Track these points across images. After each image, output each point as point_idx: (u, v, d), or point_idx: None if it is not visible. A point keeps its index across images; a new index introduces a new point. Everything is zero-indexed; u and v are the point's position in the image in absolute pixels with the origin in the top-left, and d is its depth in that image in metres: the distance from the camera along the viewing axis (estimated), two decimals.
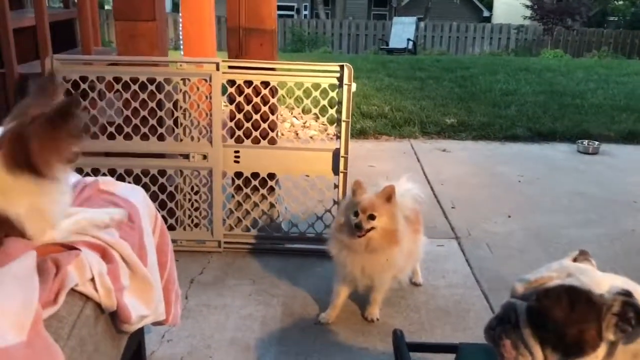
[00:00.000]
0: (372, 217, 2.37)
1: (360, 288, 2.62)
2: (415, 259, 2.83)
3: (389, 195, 2.41)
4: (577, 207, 4.10)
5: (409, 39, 16.21)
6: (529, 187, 4.50)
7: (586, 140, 5.48)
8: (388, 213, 2.40)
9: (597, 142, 5.45)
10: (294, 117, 5.93)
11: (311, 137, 5.36)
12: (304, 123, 5.88)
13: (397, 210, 2.45)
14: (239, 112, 3.21)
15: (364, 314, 2.67)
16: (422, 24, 17.98)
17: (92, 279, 1.42)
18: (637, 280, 3.10)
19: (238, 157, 3.19)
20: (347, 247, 2.47)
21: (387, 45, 16.55)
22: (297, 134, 5.58)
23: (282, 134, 5.45)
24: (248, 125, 3.20)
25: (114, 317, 1.53)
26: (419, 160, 5.08)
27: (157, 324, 2.08)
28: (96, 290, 1.41)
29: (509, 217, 3.89)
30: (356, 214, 2.38)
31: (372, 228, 2.40)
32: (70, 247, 1.44)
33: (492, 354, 1.98)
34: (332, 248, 2.54)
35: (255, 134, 3.20)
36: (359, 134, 5.72)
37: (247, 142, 3.21)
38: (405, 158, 5.17)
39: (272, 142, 3.26)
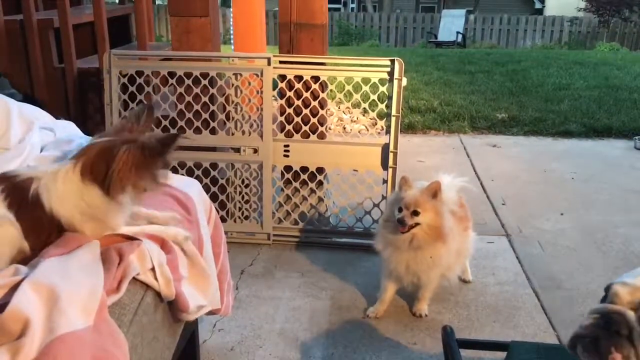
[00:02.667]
0: (415, 213, 2.37)
1: (406, 285, 2.62)
2: (465, 256, 2.81)
3: (434, 192, 2.39)
4: (632, 206, 3.98)
5: (458, 32, 15.96)
6: (583, 185, 4.38)
7: None
8: (433, 209, 2.39)
9: None
10: (342, 111, 5.94)
11: (359, 132, 5.36)
12: (352, 117, 5.88)
13: (443, 207, 2.43)
14: (289, 107, 3.24)
15: (412, 310, 2.66)
16: (471, 17, 17.66)
17: (153, 269, 1.47)
18: None
19: (288, 151, 3.23)
20: (392, 243, 2.47)
21: (436, 38, 16.33)
22: (344, 129, 5.59)
23: (330, 129, 5.47)
24: (298, 119, 3.23)
25: (172, 306, 1.58)
26: (468, 156, 5.02)
27: (209, 313, 2.13)
28: (156, 279, 1.46)
29: (562, 214, 3.81)
30: (400, 210, 2.38)
31: (416, 224, 2.39)
32: (131, 238, 1.49)
33: (544, 354, 1.96)
34: (377, 244, 2.55)
35: (305, 128, 3.23)
36: (407, 128, 5.69)
37: (297, 136, 3.25)
38: (454, 153, 5.11)
39: (322, 136, 3.28)
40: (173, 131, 3.15)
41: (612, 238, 3.47)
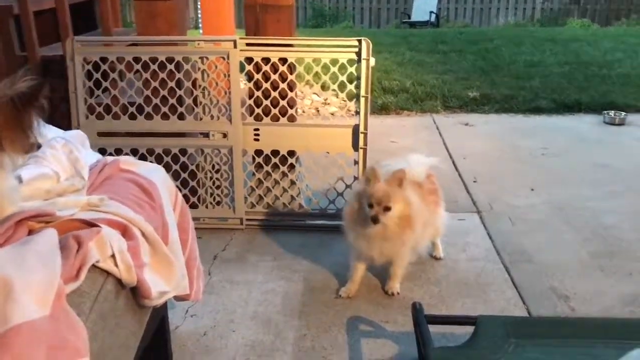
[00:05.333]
0: (387, 209, 2.38)
1: (377, 264, 2.64)
2: (435, 233, 2.84)
3: (400, 181, 2.40)
4: (601, 180, 4.04)
5: (431, 12, 15.91)
6: (553, 160, 4.44)
7: (612, 111, 5.36)
8: (402, 200, 2.41)
9: (623, 113, 5.33)
10: (315, 94, 5.91)
11: (332, 114, 5.35)
12: (325, 100, 5.86)
13: (408, 195, 2.45)
14: (258, 90, 3.22)
15: (385, 288, 2.69)
16: None
17: (113, 256, 1.45)
18: None
19: (258, 134, 3.21)
20: (363, 236, 2.49)
21: (409, 18, 16.28)
22: (317, 111, 5.57)
23: (303, 112, 5.45)
24: (267, 102, 3.21)
25: (135, 293, 1.57)
26: (441, 135, 5.04)
27: (180, 299, 2.13)
28: (117, 266, 1.45)
29: (532, 190, 3.85)
30: (371, 206, 2.38)
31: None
32: (91, 225, 1.47)
33: (511, 327, 1.99)
34: (348, 236, 2.58)
35: (275, 111, 3.21)
36: (381, 109, 5.67)
37: (267, 119, 3.22)
38: (427, 133, 5.13)
39: (292, 119, 3.26)
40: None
41: (581, 212, 3.53)
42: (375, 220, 2.36)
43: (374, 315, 2.52)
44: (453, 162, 4.35)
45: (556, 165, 4.32)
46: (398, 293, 2.66)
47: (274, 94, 3.19)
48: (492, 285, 2.74)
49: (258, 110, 3.22)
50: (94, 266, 1.39)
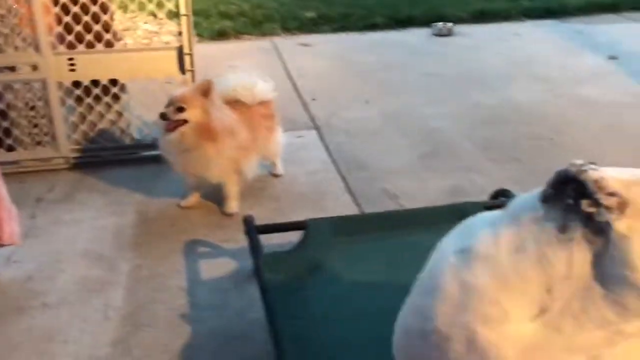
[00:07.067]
0: (180, 110, 2.33)
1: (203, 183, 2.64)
2: (273, 156, 2.85)
3: (205, 90, 2.35)
4: (431, 88, 4.25)
5: None
6: (387, 73, 4.58)
7: (440, 23, 5.60)
8: (201, 106, 2.36)
9: (450, 24, 5.60)
10: (146, 23, 5.56)
11: (167, 44, 5.07)
12: (159, 29, 5.54)
13: (213, 105, 2.40)
14: (67, 15, 2.93)
15: (222, 209, 2.66)
16: None
17: None
18: (481, 145, 3.29)
19: (73, 64, 2.95)
20: (165, 146, 2.46)
21: None
22: (151, 41, 5.25)
23: (134, 42, 5.12)
24: (79, 28, 2.93)
25: None
26: (280, 57, 4.99)
27: None
28: None
29: (367, 103, 3.96)
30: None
31: (184, 122, 2.36)
32: None
33: (338, 225, 2.06)
34: (160, 149, 2.56)
35: (89, 37, 2.95)
36: (219, 35, 5.47)
37: (81, 47, 2.96)
38: (267, 56, 5.05)
39: (109, 45, 3.03)
40: None
41: (412, 119, 3.70)
42: (163, 116, 2.33)
43: (213, 237, 2.49)
44: (293, 83, 4.34)
45: (390, 78, 4.47)
46: (237, 212, 2.64)
47: (86, 18, 2.92)
48: (329, 194, 2.81)
49: (70, 38, 2.94)
50: None
